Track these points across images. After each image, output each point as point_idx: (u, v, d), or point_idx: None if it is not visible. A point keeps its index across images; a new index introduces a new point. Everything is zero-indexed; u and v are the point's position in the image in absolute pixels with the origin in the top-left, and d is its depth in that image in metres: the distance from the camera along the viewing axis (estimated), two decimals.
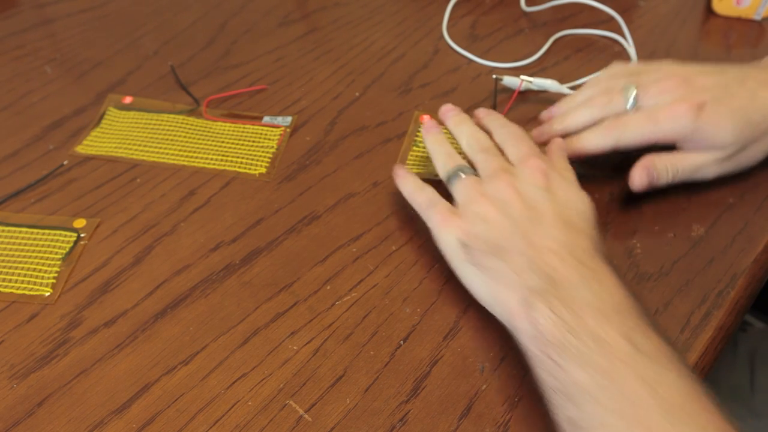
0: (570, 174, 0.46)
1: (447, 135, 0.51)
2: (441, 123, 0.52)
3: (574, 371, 0.35)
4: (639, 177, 0.48)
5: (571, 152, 0.49)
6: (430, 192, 0.47)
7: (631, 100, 0.50)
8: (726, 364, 0.68)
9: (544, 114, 0.54)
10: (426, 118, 0.59)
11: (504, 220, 0.42)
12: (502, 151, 0.47)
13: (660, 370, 0.34)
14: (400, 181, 0.49)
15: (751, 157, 0.50)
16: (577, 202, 0.43)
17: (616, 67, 0.54)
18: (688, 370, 0.35)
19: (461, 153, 0.49)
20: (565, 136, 0.51)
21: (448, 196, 0.46)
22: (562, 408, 0.35)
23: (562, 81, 0.61)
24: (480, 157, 0.46)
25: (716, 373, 0.49)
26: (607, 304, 0.36)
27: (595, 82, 0.54)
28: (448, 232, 0.44)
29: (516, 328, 0.39)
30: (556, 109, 0.54)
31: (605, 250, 0.41)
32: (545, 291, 0.38)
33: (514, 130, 0.49)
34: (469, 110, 0.60)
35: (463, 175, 0.46)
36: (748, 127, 0.48)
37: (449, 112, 0.52)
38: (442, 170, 0.48)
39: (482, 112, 0.52)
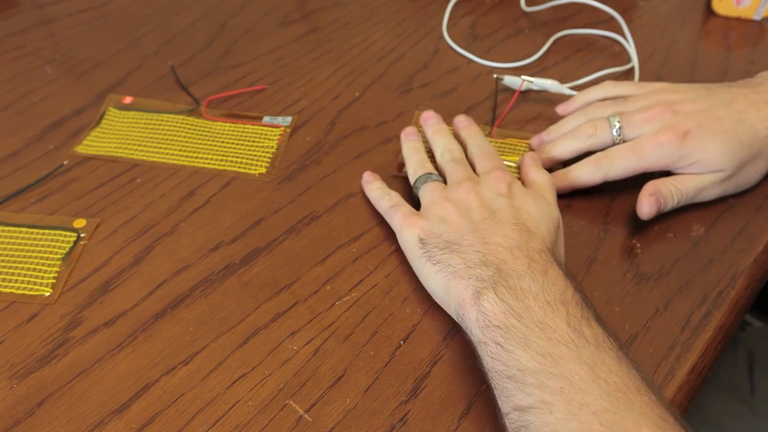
0: (543, 182, 0.48)
1: (425, 141, 0.54)
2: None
3: (519, 354, 0.36)
4: (648, 205, 0.48)
5: (562, 186, 0.51)
6: (395, 196, 0.50)
7: (615, 132, 0.51)
8: (726, 364, 0.68)
9: (534, 140, 0.55)
10: (423, 115, 0.59)
11: (462, 221, 0.44)
12: (472, 165, 0.50)
13: (602, 356, 0.35)
14: (367, 186, 0.52)
15: (749, 177, 0.51)
16: (535, 208, 0.45)
17: (604, 89, 0.55)
18: (630, 360, 0.36)
19: (434, 161, 0.52)
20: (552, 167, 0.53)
21: (416, 205, 0.48)
22: (507, 395, 0.36)
23: (562, 81, 0.61)
24: (450, 167, 0.49)
25: (716, 373, 0.49)
26: (552, 295, 0.38)
27: (581, 112, 0.54)
28: (409, 230, 0.46)
29: (464, 316, 0.40)
30: (545, 136, 0.54)
31: (560, 256, 0.44)
32: (493, 280, 0.39)
33: (487, 146, 0.51)
34: (469, 111, 0.60)
35: (428, 181, 0.49)
36: (739, 148, 0.49)
37: (429, 119, 0.55)
38: (412, 176, 0.51)
39: (462, 123, 0.54)
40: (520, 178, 0.51)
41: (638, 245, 0.49)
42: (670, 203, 0.49)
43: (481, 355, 0.38)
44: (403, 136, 0.54)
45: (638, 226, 0.50)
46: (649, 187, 0.49)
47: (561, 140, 0.53)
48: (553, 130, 0.54)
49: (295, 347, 0.43)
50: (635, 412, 0.33)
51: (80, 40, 0.70)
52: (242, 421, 0.39)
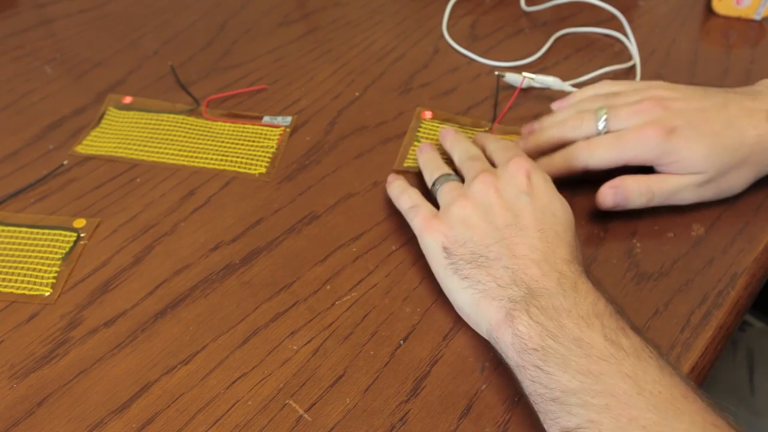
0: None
1: (445, 158, 0.52)
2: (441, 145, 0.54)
3: (559, 375, 0.35)
4: (603, 196, 0.48)
5: (550, 173, 0.50)
6: (415, 195, 0.48)
7: (601, 123, 0.50)
8: (726, 364, 0.68)
9: (525, 128, 0.55)
10: (428, 114, 0.59)
11: (486, 226, 0.42)
12: (492, 162, 0.48)
13: (644, 366, 0.34)
14: (389, 185, 0.51)
15: (732, 184, 0.49)
16: (557, 208, 0.43)
17: (599, 87, 0.55)
18: (671, 368, 0.35)
19: (453, 167, 0.50)
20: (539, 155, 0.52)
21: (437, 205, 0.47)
22: (553, 417, 0.35)
23: (563, 79, 0.61)
24: (467, 164, 0.48)
25: (716, 373, 0.49)
26: (585, 310, 0.37)
27: (573, 105, 0.54)
28: (430, 236, 0.44)
29: (498, 339, 0.39)
30: (536, 125, 0.54)
31: (581, 257, 0.43)
32: (525, 300, 0.38)
33: (506, 143, 0.50)
34: (469, 110, 0.60)
35: (446, 182, 0.47)
36: (723, 152, 0.48)
37: (448, 134, 0.53)
38: (429, 179, 0.49)
39: (478, 137, 0.53)
40: None
41: (638, 245, 0.49)
42: (636, 201, 0.48)
43: (520, 379, 0.38)
44: (418, 151, 0.53)
45: (638, 226, 0.50)
46: (616, 179, 0.48)
47: (546, 129, 0.52)
48: (545, 120, 0.54)
49: (295, 347, 0.43)
50: (685, 422, 0.32)
51: (80, 40, 0.70)
52: (242, 421, 0.39)
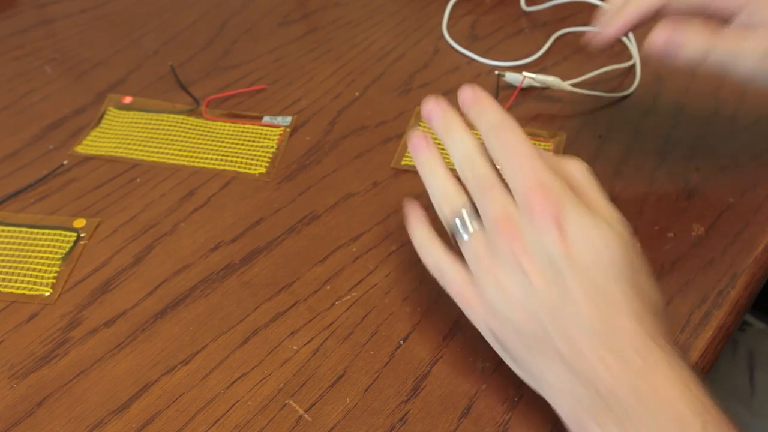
0: (596, 197, 0.37)
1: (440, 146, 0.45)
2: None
3: None
4: (658, 36, 0.42)
5: (616, 26, 0.45)
6: (438, 252, 0.40)
7: None
8: (726, 364, 0.68)
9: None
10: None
11: (526, 301, 0.35)
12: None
13: None
14: (411, 230, 0.42)
15: None
16: (606, 252, 0.34)
17: None
18: None
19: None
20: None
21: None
22: None
23: (563, 79, 0.61)
24: (477, 195, 0.38)
25: (716, 373, 0.49)
26: (666, 420, 0.31)
27: None
28: (474, 315, 0.38)
29: None
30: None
31: (658, 297, 0.35)
32: (595, 408, 0.32)
33: (508, 137, 0.38)
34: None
35: (465, 236, 0.38)
36: None
37: (434, 114, 0.42)
38: (440, 213, 0.40)
39: (467, 99, 0.41)
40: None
41: (638, 245, 0.49)
42: (691, 53, 0.42)
43: None
44: (412, 151, 0.42)
45: (638, 226, 0.50)
46: (675, 21, 0.42)
47: None
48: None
49: (295, 347, 0.43)
50: None
51: (80, 40, 0.70)
52: (242, 421, 0.39)
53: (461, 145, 0.40)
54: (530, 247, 0.34)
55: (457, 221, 0.38)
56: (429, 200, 0.41)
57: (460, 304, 0.39)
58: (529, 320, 0.34)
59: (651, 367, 0.32)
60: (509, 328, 0.35)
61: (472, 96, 0.41)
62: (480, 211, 0.38)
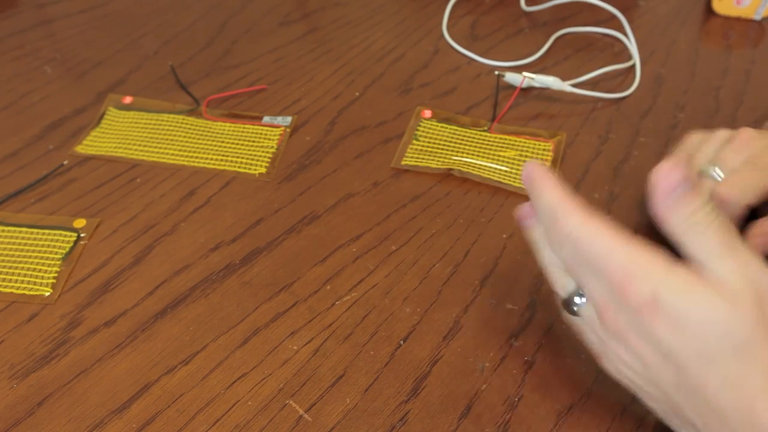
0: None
1: None
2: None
3: None
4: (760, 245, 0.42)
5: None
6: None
7: (715, 173, 0.46)
8: None
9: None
10: (427, 113, 0.58)
11: (647, 374, 0.32)
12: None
13: None
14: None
15: None
16: (712, 329, 0.29)
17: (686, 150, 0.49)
18: None
19: None
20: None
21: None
22: None
23: (563, 79, 0.61)
24: (582, 282, 0.34)
25: None
26: None
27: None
28: (614, 370, 0.35)
29: None
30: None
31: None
32: None
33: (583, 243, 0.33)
34: (469, 110, 0.60)
35: (580, 305, 0.35)
36: None
37: (537, 181, 0.35)
38: (558, 287, 0.36)
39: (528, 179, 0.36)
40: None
41: None
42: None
43: None
44: (519, 220, 0.38)
45: (638, 226, 0.50)
46: (762, 225, 0.43)
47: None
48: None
49: (295, 347, 0.43)
50: None
51: (80, 40, 0.70)
52: (242, 421, 0.39)
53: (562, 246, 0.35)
54: (635, 337, 0.31)
55: (570, 302, 0.35)
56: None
57: (597, 356, 0.36)
58: (656, 389, 0.32)
59: None
60: (642, 393, 0.34)
61: (529, 180, 0.36)
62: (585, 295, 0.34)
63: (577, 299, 0.35)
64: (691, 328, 0.29)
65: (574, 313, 0.35)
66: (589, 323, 0.34)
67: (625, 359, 0.33)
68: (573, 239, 0.33)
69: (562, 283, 0.36)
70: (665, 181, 0.31)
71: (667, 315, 0.30)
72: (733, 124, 0.58)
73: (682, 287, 0.30)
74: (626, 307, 0.31)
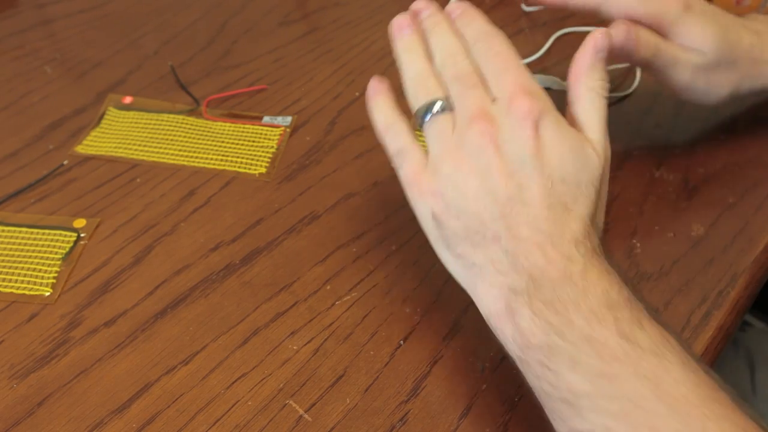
0: (593, 108, 0.39)
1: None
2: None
3: (568, 375, 0.32)
4: (617, 28, 0.45)
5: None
6: (403, 134, 0.40)
7: None
8: (726, 364, 0.68)
9: None
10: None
11: (483, 197, 0.35)
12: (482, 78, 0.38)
13: (663, 364, 0.31)
14: (372, 104, 0.42)
15: (718, 83, 0.50)
16: (570, 168, 0.35)
17: None
18: (695, 362, 0.32)
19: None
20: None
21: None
22: (562, 417, 0.32)
23: (563, 79, 0.61)
24: (455, 89, 0.38)
25: (716, 373, 0.48)
26: (596, 301, 0.32)
27: None
28: (420, 198, 0.38)
29: (497, 329, 0.35)
30: None
31: (600, 222, 0.38)
32: (527, 292, 0.34)
33: (495, 41, 0.39)
34: None
35: (435, 114, 0.38)
36: (724, 43, 0.49)
37: (424, 11, 0.42)
38: (411, 98, 0.40)
39: (456, 10, 0.42)
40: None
41: (638, 245, 0.49)
42: (643, 49, 0.46)
43: (523, 372, 0.34)
44: (395, 32, 0.41)
45: (638, 226, 0.50)
46: (631, 21, 0.46)
47: None
48: None
49: (295, 347, 0.43)
50: (711, 422, 0.29)
51: (80, 40, 0.70)
52: (242, 421, 0.39)
53: (445, 40, 0.40)
54: (500, 141, 0.36)
55: (426, 102, 0.38)
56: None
57: (407, 184, 0.39)
58: (480, 214, 0.35)
59: (586, 264, 0.34)
60: (453, 211, 0.36)
61: (460, 8, 0.41)
62: (456, 105, 0.38)
63: (439, 106, 0.38)
64: (557, 157, 0.35)
65: (426, 119, 0.38)
66: (441, 130, 0.37)
67: (465, 172, 0.36)
68: (499, 41, 0.40)
69: (429, 92, 0.39)
70: (595, 42, 0.40)
71: (545, 138, 0.35)
72: (733, 123, 0.58)
73: (565, 124, 0.37)
74: (508, 117, 0.36)
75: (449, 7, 0.42)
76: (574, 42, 0.68)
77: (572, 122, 0.38)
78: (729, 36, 0.49)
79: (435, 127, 0.38)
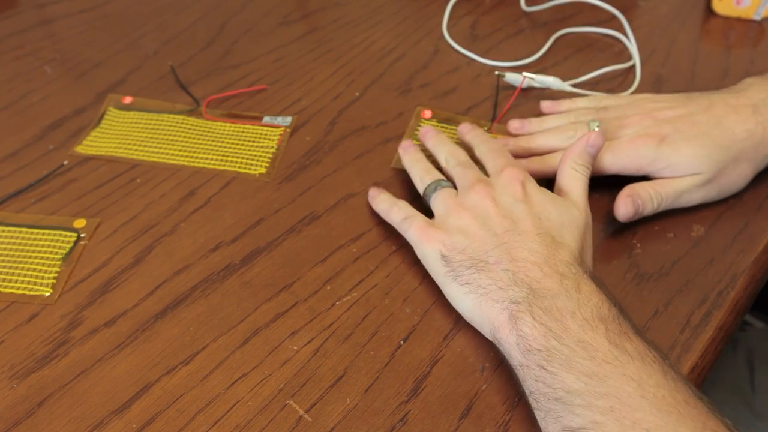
0: (574, 181, 0.47)
1: (427, 155, 0.52)
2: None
3: (564, 375, 0.35)
4: (624, 206, 0.48)
5: (536, 169, 0.50)
6: (405, 207, 0.48)
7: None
8: (726, 364, 0.68)
9: (515, 124, 0.55)
10: (427, 113, 0.59)
11: (484, 233, 0.43)
12: (481, 166, 0.49)
13: (648, 370, 0.35)
14: (374, 201, 0.50)
15: (732, 181, 0.50)
16: (555, 213, 0.43)
17: (589, 101, 0.57)
18: (674, 372, 0.36)
19: (440, 169, 0.50)
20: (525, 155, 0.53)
21: (427, 213, 0.47)
22: (555, 416, 0.35)
23: (563, 80, 0.61)
24: (457, 171, 0.48)
25: (716, 373, 0.49)
26: (589, 312, 0.37)
27: (565, 115, 0.55)
28: (429, 245, 0.44)
29: (502, 340, 0.39)
30: (527, 126, 0.55)
31: (588, 263, 0.43)
32: (527, 300, 0.38)
33: (494, 145, 0.50)
34: (469, 111, 0.60)
35: (440, 188, 0.47)
36: (715, 150, 0.49)
37: (429, 132, 0.53)
38: (419, 184, 0.49)
39: (465, 128, 0.53)
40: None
41: (638, 245, 0.49)
42: (649, 206, 0.48)
43: (523, 378, 0.38)
44: (401, 151, 0.53)
45: (638, 226, 0.50)
46: (627, 189, 0.49)
47: (543, 135, 0.53)
48: (534, 123, 0.55)
49: (295, 347, 0.43)
50: (688, 426, 0.33)
51: (80, 40, 0.70)
52: (242, 421, 0.39)
53: (448, 147, 0.51)
54: (495, 196, 0.44)
55: (434, 183, 0.48)
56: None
57: (416, 240, 0.45)
58: (483, 245, 0.42)
59: (578, 281, 0.39)
60: (459, 247, 0.43)
61: (468, 128, 0.53)
62: (458, 182, 0.47)
63: (443, 183, 0.48)
64: (543, 206, 0.44)
65: (432, 194, 0.47)
66: (445, 198, 0.46)
67: (469, 218, 0.44)
68: (494, 142, 0.51)
69: (433, 176, 0.49)
70: (589, 138, 0.47)
71: (531, 194, 0.44)
72: None
73: (547, 191, 0.45)
74: (499, 181, 0.45)
75: (460, 127, 0.54)
76: (574, 42, 0.68)
77: (558, 192, 0.46)
78: (717, 141, 0.49)
79: (441, 197, 0.47)
